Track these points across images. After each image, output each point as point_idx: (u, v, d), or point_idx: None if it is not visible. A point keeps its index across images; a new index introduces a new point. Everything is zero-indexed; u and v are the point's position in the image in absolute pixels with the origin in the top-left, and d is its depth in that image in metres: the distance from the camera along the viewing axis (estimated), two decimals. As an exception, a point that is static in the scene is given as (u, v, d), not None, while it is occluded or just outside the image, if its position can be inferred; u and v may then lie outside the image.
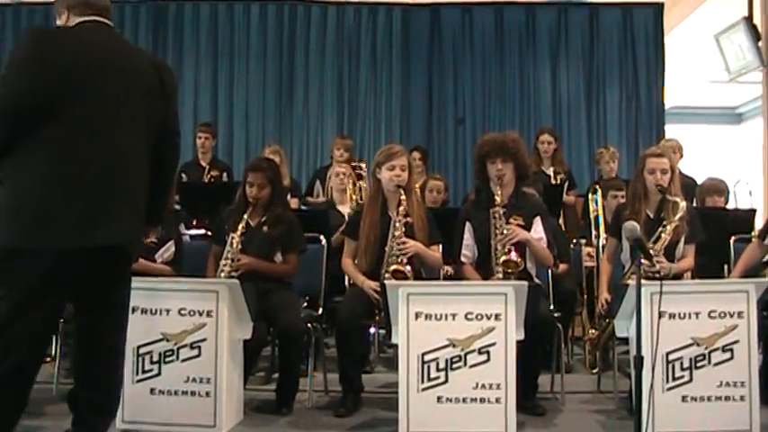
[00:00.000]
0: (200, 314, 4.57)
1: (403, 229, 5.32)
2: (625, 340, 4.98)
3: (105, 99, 3.60)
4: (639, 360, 3.84)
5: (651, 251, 5.09)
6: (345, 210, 7.16)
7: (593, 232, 7.06)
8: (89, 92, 3.57)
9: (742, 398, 4.42)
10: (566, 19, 10.92)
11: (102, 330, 3.80)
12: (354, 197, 7.24)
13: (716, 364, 4.44)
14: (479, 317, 4.43)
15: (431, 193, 7.36)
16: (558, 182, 8.23)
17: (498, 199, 5.33)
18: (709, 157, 14.49)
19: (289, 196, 7.27)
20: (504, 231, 5.24)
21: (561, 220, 7.69)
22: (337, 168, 7.50)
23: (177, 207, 6.76)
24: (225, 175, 8.74)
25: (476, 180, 5.73)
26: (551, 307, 5.45)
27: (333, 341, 5.65)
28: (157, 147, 3.80)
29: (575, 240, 7.19)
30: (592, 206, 7.46)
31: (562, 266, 6.23)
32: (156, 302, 4.59)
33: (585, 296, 6.54)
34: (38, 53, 3.54)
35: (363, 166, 7.68)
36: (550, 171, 8.34)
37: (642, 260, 4.14)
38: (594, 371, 6.03)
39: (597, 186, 7.55)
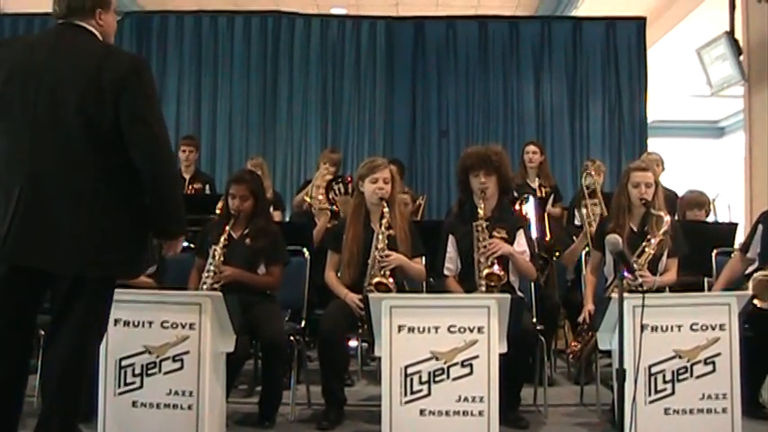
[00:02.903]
0: (183, 327, 4.54)
1: (386, 241, 5.33)
2: (608, 353, 4.99)
3: (21, 112, 3.63)
4: (622, 373, 3.85)
5: (635, 264, 5.12)
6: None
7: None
8: (9, 104, 3.64)
9: (724, 410, 4.44)
10: (549, 32, 10.93)
11: (53, 347, 3.80)
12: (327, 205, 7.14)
13: (698, 377, 4.46)
14: (462, 330, 4.44)
15: None
16: (544, 195, 8.24)
17: (481, 212, 5.35)
18: (692, 170, 14.57)
19: (271, 209, 7.25)
20: (487, 245, 5.25)
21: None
22: (317, 182, 7.43)
23: None
24: (207, 187, 8.72)
25: (459, 193, 5.73)
26: (534, 320, 5.46)
27: (315, 354, 5.64)
28: (116, 147, 3.65)
29: (557, 253, 7.21)
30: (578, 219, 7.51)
31: None
32: (138, 315, 4.56)
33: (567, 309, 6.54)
34: None
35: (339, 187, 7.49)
36: (536, 184, 8.36)
37: (625, 273, 4.14)
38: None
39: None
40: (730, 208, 8.76)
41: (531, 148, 8.52)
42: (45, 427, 3.82)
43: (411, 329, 4.46)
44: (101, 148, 3.64)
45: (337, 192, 6.78)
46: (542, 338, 5.35)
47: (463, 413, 4.40)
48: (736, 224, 7.12)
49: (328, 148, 9.26)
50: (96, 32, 3.81)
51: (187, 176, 8.64)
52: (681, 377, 4.46)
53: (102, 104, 3.60)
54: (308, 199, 7.38)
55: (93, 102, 3.60)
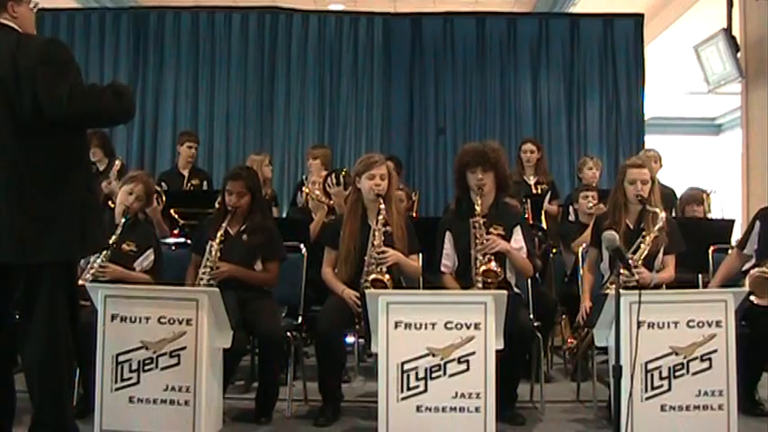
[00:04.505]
0: (180, 322, 4.54)
1: (382, 238, 5.33)
2: (604, 349, 4.99)
3: None
4: (618, 369, 3.86)
5: (631, 261, 5.11)
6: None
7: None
8: None
9: (720, 407, 4.44)
10: (547, 29, 10.94)
11: (26, 343, 3.83)
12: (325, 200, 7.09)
13: (694, 374, 4.46)
14: (459, 326, 4.43)
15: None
16: (540, 192, 8.26)
17: (478, 209, 5.34)
18: (689, 167, 14.58)
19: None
20: (484, 241, 5.25)
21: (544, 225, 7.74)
22: (313, 178, 7.43)
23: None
24: (205, 183, 8.72)
25: (456, 190, 5.72)
26: (531, 316, 5.46)
27: (312, 350, 5.64)
28: (42, 132, 3.74)
29: (555, 250, 7.22)
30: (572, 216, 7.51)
31: None
32: (135, 310, 4.56)
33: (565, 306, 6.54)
34: None
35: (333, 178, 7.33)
36: (532, 180, 8.37)
37: (621, 270, 4.15)
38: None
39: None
40: (723, 205, 8.77)
41: (528, 146, 8.53)
42: (41, 426, 3.83)
43: (408, 326, 4.46)
44: (29, 134, 3.72)
45: (330, 184, 6.76)
46: (539, 335, 5.35)
47: (460, 409, 4.40)
48: (733, 221, 7.12)
49: (311, 145, 9.22)
50: (12, 24, 3.87)
51: (185, 172, 8.64)
52: (677, 374, 4.46)
53: (21, 91, 3.68)
54: (305, 190, 7.37)
55: (14, 90, 3.69)
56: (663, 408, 4.45)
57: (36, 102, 3.68)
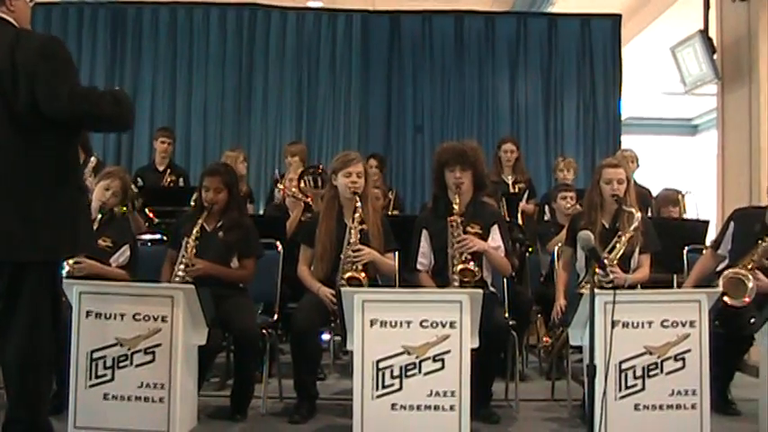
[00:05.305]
0: (155, 319, 4.53)
1: (358, 236, 5.33)
2: (579, 348, 5.02)
3: None
4: (592, 368, 3.87)
5: (606, 261, 5.13)
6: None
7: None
8: None
9: (693, 406, 4.47)
10: (525, 29, 10.95)
11: (7, 338, 3.82)
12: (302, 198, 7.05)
13: (668, 373, 4.48)
14: (434, 324, 4.44)
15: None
16: (517, 190, 8.27)
17: (456, 207, 5.35)
18: (665, 167, 14.63)
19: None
20: (461, 241, 5.26)
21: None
22: (290, 175, 7.43)
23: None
24: (181, 180, 8.69)
25: (434, 188, 5.72)
26: (506, 315, 5.47)
27: (288, 347, 5.64)
28: (39, 130, 3.74)
29: (531, 249, 7.24)
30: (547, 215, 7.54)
31: None
32: (110, 307, 4.54)
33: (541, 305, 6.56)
34: None
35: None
36: (510, 180, 8.38)
37: (596, 269, 4.16)
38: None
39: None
40: (698, 205, 8.82)
41: (509, 146, 8.54)
42: (14, 422, 3.81)
43: (383, 324, 4.46)
44: (24, 131, 3.71)
45: (306, 183, 6.75)
46: (514, 333, 5.37)
47: (434, 408, 4.40)
48: (708, 221, 7.16)
49: (288, 143, 9.22)
50: (10, 19, 3.88)
51: (161, 168, 8.61)
52: (651, 373, 4.49)
53: (18, 87, 3.68)
54: (280, 186, 7.36)
55: (9, 85, 3.68)
56: (636, 407, 4.47)
57: (33, 98, 3.66)
